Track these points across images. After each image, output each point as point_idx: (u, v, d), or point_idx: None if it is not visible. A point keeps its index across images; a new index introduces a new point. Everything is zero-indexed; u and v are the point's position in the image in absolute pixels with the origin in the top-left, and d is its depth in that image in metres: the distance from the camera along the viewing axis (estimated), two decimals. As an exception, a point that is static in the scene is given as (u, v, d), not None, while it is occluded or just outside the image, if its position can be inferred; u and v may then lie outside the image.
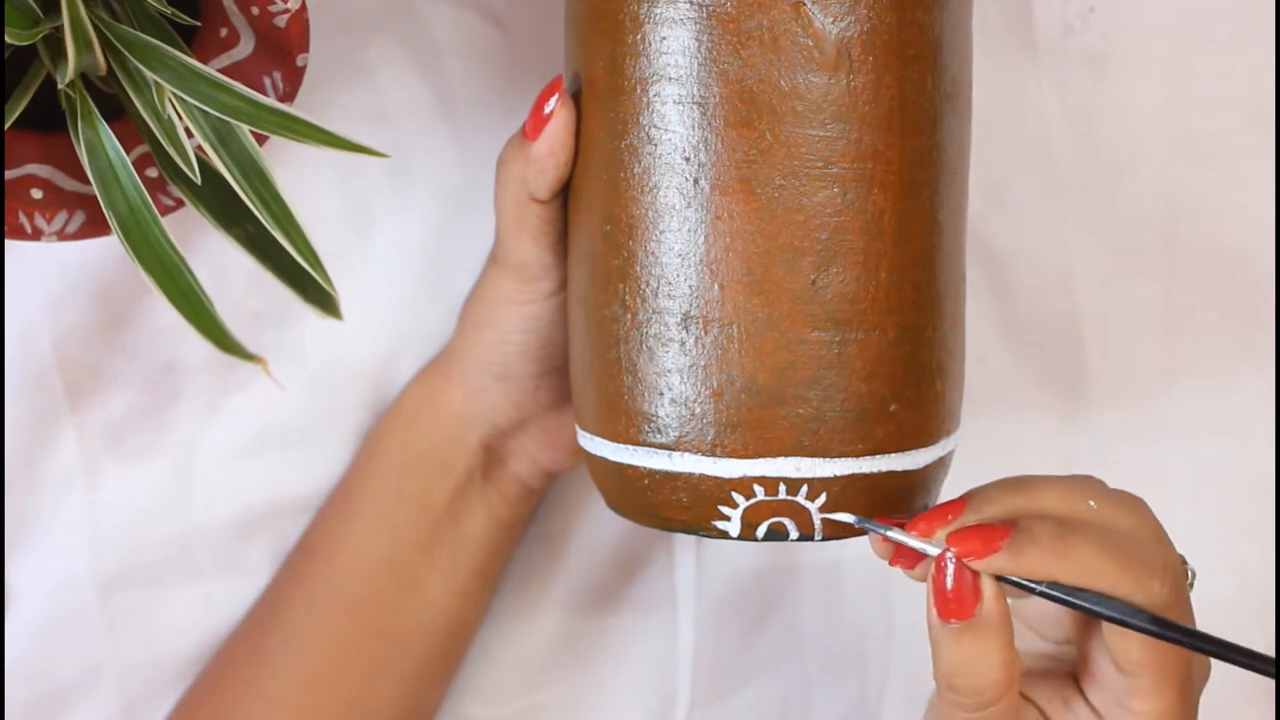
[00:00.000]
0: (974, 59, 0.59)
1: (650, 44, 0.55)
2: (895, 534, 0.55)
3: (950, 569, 0.54)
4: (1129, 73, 0.73)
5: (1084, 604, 0.53)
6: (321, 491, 0.70)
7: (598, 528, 0.73)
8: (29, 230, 0.58)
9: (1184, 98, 0.73)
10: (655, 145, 0.56)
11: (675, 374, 0.56)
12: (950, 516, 0.55)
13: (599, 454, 0.59)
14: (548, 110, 0.58)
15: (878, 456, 0.56)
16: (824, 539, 0.57)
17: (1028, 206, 0.73)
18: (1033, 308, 0.74)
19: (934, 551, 0.54)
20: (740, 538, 0.57)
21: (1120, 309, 0.74)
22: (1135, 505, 0.56)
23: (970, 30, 0.58)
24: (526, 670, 0.73)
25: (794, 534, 0.57)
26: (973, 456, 0.66)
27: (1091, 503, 0.55)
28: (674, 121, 0.55)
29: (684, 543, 0.74)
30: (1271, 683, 0.77)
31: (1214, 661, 0.76)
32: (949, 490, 0.61)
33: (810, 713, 0.75)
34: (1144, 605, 0.54)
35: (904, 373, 0.56)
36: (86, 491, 0.68)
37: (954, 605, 0.54)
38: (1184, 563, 0.56)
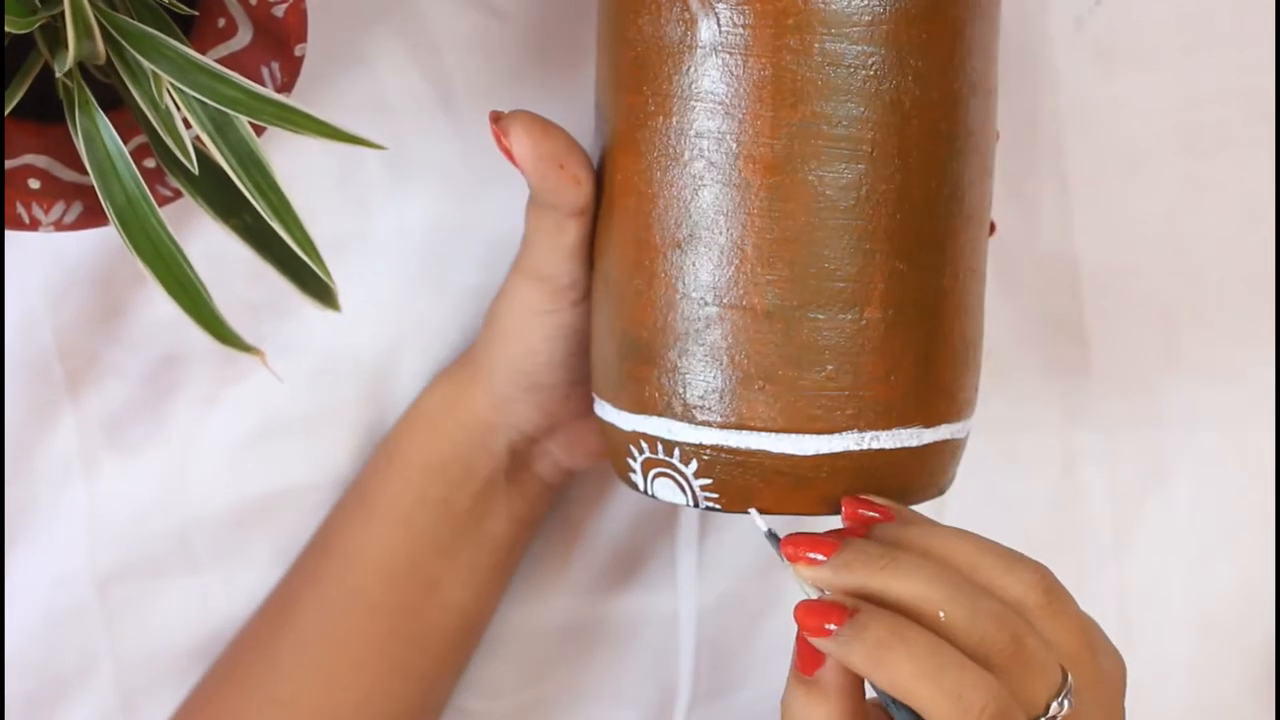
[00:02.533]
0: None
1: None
2: (784, 562, 0.55)
3: None
4: (1134, 67, 0.73)
5: (894, 711, 0.53)
6: (320, 483, 0.69)
7: (599, 524, 0.73)
8: (26, 220, 0.58)
9: (1188, 91, 0.73)
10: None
11: (599, 329, 0.60)
12: (815, 556, 0.54)
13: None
14: (505, 142, 0.59)
15: (746, 432, 0.56)
16: (709, 509, 0.57)
17: (1034, 200, 0.73)
18: (1037, 301, 0.74)
19: (805, 590, 0.54)
20: (643, 492, 0.59)
21: (1124, 302, 0.74)
22: (989, 625, 0.53)
23: (997, 17, 0.58)
24: (527, 664, 0.73)
25: (681, 497, 0.58)
26: (977, 449, 0.66)
27: (941, 614, 0.52)
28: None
29: (686, 539, 0.74)
30: (1271, 677, 0.77)
31: (1212, 658, 0.77)
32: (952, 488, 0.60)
33: (810, 710, 0.75)
34: None
35: (778, 355, 0.56)
36: (85, 483, 0.68)
37: (800, 658, 0.54)
38: (1060, 685, 0.53)
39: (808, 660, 0.54)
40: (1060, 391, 0.75)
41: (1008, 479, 0.75)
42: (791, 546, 0.54)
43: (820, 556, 0.54)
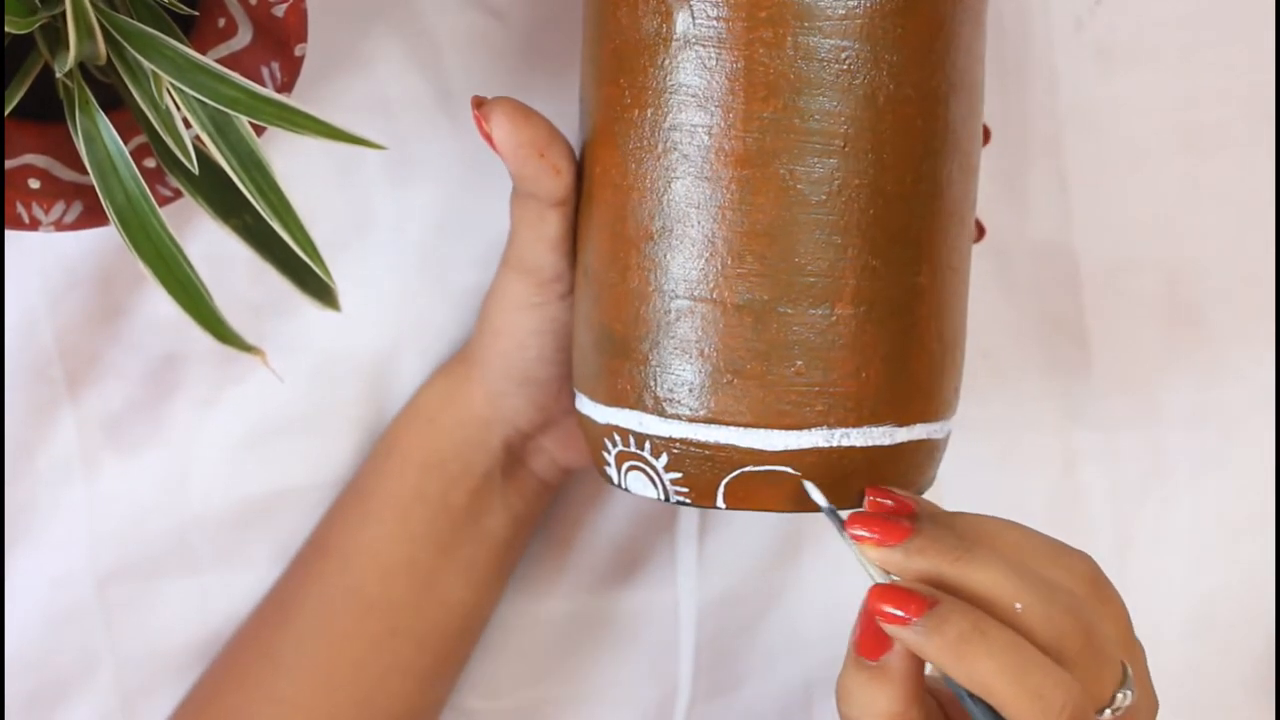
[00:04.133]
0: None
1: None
2: (847, 541, 0.54)
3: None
4: (1134, 67, 0.73)
5: (969, 706, 0.52)
6: (320, 483, 0.69)
7: (599, 522, 0.73)
8: (26, 220, 0.58)
9: (1188, 91, 0.73)
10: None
11: (579, 322, 0.60)
12: (885, 539, 0.53)
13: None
14: (486, 127, 0.59)
15: (714, 426, 0.56)
16: (679, 503, 0.57)
17: (1033, 199, 0.73)
18: (1036, 300, 0.74)
19: (870, 572, 0.53)
20: (616, 484, 0.59)
21: (1123, 302, 0.74)
22: (1065, 620, 0.52)
23: (983, 14, 0.58)
24: (527, 664, 0.73)
25: (651, 491, 0.57)
26: (975, 449, 0.66)
27: (1018, 606, 0.52)
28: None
29: (686, 537, 0.73)
30: (1271, 677, 0.77)
31: (1212, 658, 0.77)
32: (944, 479, 0.60)
33: (810, 710, 0.75)
34: None
35: (747, 349, 0.56)
36: (85, 483, 0.68)
37: (864, 642, 0.53)
38: (1122, 677, 0.53)
39: (872, 644, 0.53)
40: (1060, 391, 0.75)
41: (1007, 479, 0.75)
42: (860, 526, 0.53)
43: (888, 540, 0.53)
